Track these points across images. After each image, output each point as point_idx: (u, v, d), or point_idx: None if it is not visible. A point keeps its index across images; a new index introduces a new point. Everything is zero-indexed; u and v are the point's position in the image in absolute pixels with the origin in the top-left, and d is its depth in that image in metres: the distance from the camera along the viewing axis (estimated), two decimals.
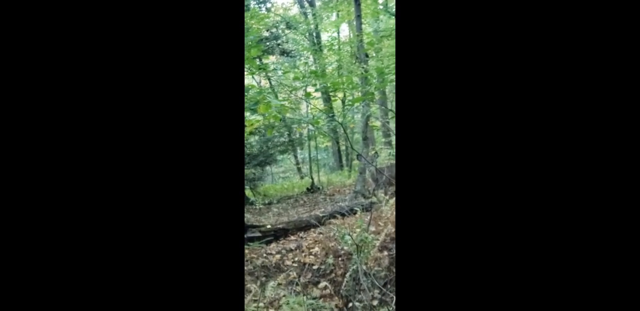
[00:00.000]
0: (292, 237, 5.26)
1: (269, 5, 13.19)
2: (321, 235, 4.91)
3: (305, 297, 3.06)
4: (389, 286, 3.18)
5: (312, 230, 5.37)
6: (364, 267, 3.31)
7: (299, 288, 3.54)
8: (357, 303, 3.08)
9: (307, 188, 10.38)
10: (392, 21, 10.12)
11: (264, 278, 4.09)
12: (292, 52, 12.75)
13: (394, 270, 3.30)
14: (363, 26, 9.39)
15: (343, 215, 5.61)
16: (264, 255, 4.63)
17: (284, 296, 3.33)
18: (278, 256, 4.54)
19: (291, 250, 4.65)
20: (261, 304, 3.14)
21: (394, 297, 2.93)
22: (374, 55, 9.44)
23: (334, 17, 13.37)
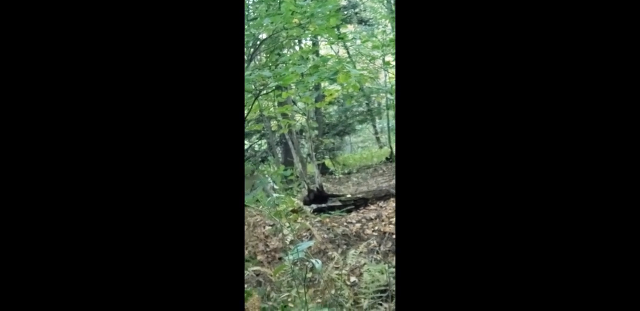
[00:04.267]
0: (372, 206, 5.30)
1: None
2: None
3: (386, 265, 3.10)
4: None
5: (392, 199, 5.38)
6: None
7: (379, 257, 3.58)
8: None
9: (386, 158, 10.35)
10: None
11: (345, 246, 4.17)
12: (370, 20, 12.54)
13: None
14: None
15: None
16: (345, 223, 4.70)
17: (365, 264, 3.38)
18: (358, 225, 4.60)
19: (371, 219, 4.69)
20: (343, 271, 3.21)
21: None
22: None
23: None
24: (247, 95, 3.80)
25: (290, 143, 7.46)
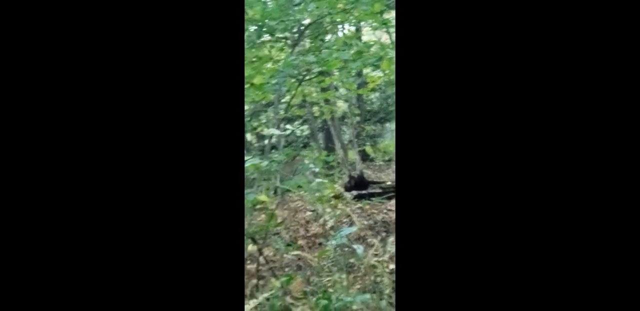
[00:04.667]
0: None
1: None
2: None
3: None
4: None
5: None
6: None
7: None
8: None
9: None
10: None
11: (384, 234, 4.17)
12: None
13: None
14: None
15: None
16: (384, 210, 4.70)
17: None
18: None
19: None
20: (382, 258, 3.21)
21: None
22: None
23: None
24: (290, 80, 3.81)
25: (332, 129, 7.47)
